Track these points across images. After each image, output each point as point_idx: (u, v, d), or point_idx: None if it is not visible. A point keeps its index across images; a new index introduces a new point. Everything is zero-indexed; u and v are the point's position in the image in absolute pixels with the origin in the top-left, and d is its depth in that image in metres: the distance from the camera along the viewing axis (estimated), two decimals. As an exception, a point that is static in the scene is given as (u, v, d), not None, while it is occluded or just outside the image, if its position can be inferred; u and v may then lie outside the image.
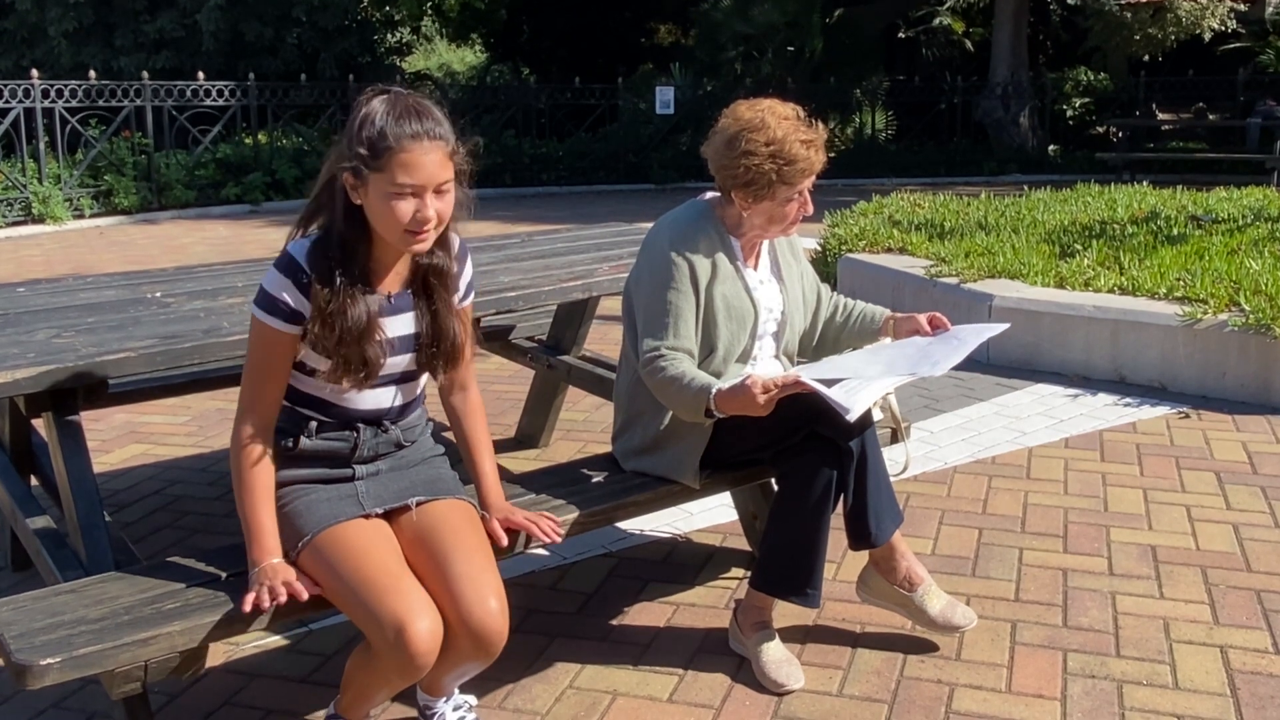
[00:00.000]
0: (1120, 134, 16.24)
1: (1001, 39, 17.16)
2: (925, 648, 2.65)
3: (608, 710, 2.42)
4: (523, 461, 3.95)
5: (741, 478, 2.74)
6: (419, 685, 2.25)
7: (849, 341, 2.82)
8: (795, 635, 2.70)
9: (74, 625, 1.96)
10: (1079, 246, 6.06)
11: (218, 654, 2.64)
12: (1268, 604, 2.86)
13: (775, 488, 2.62)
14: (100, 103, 12.76)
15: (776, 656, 2.53)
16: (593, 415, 4.52)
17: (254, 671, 2.61)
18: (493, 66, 23.29)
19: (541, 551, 3.16)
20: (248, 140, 14.20)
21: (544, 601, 2.93)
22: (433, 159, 1.96)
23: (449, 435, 2.41)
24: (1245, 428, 4.28)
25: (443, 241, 2.12)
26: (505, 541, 2.24)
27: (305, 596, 1.98)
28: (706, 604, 2.90)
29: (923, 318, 2.66)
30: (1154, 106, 17.07)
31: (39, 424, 2.66)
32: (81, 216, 12.39)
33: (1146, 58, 17.14)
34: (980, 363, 5.24)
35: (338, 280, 2.01)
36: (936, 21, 18.09)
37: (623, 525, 3.27)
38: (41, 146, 12.14)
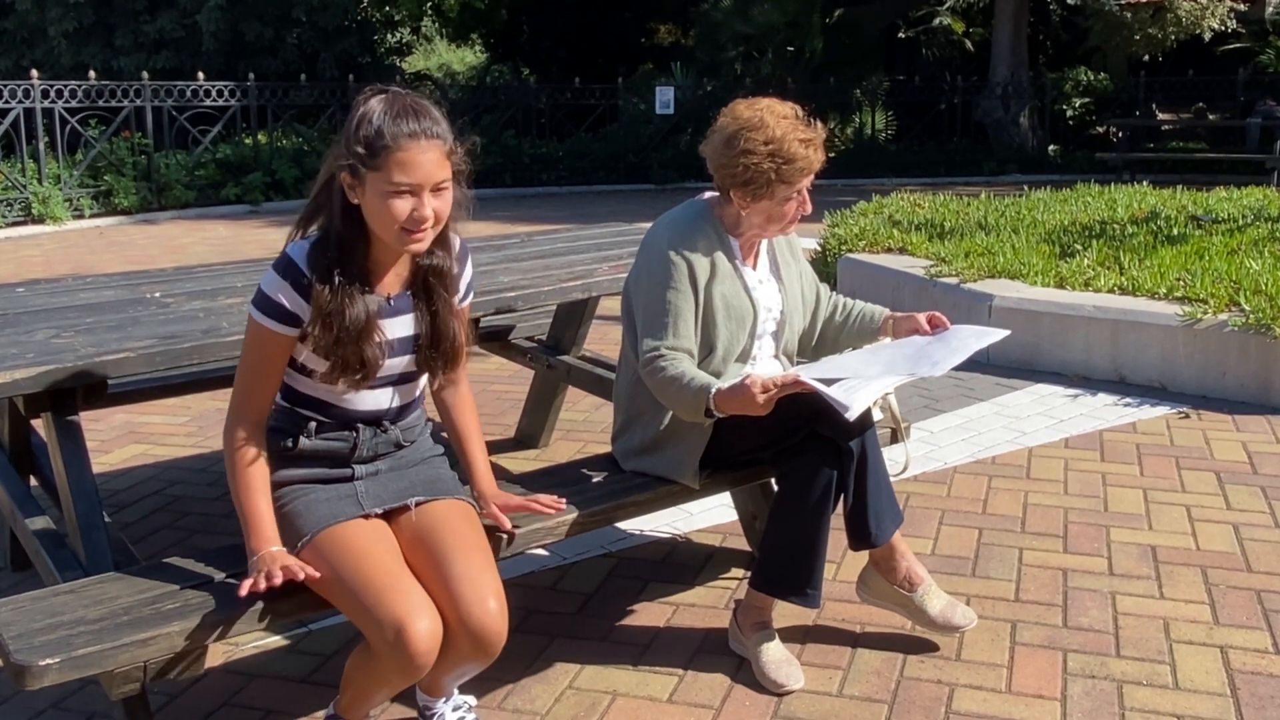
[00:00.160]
0: (1120, 134, 16.24)
1: (1001, 39, 17.16)
2: (925, 648, 2.65)
3: (607, 710, 2.42)
4: (522, 461, 3.95)
5: (741, 478, 2.73)
6: (418, 686, 2.25)
7: (848, 341, 2.82)
8: (795, 635, 2.70)
9: (73, 626, 1.96)
10: (1079, 246, 6.06)
11: (217, 654, 2.64)
12: (1268, 604, 2.85)
13: (775, 488, 2.62)
14: (100, 103, 12.77)
15: (776, 657, 2.53)
16: (592, 415, 4.52)
17: (253, 672, 2.61)
18: (493, 67, 23.29)
19: (541, 552, 3.16)
20: (248, 140, 14.20)
21: (544, 602, 2.92)
22: (429, 158, 1.96)
23: (449, 436, 2.40)
24: (1245, 428, 4.28)
25: (443, 242, 2.12)
26: (509, 525, 2.22)
27: (302, 576, 1.95)
28: (706, 604, 2.90)
29: (922, 317, 2.66)
30: (1154, 106, 17.07)
31: (38, 424, 2.66)
32: (81, 217, 12.39)
33: (1146, 58, 17.15)
34: (980, 363, 5.24)
35: (336, 281, 2.00)
36: (936, 21, 18.10)
37: (622, 525, 3.26)
38: (41, 147, 12.14)
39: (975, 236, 6.49)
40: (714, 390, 2.37)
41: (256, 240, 10.66)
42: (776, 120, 2.47)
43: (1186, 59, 17.98)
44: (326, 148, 2.10)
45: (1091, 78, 17.87)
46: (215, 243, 10.66)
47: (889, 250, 6.52)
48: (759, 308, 2.61)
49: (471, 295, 2.28)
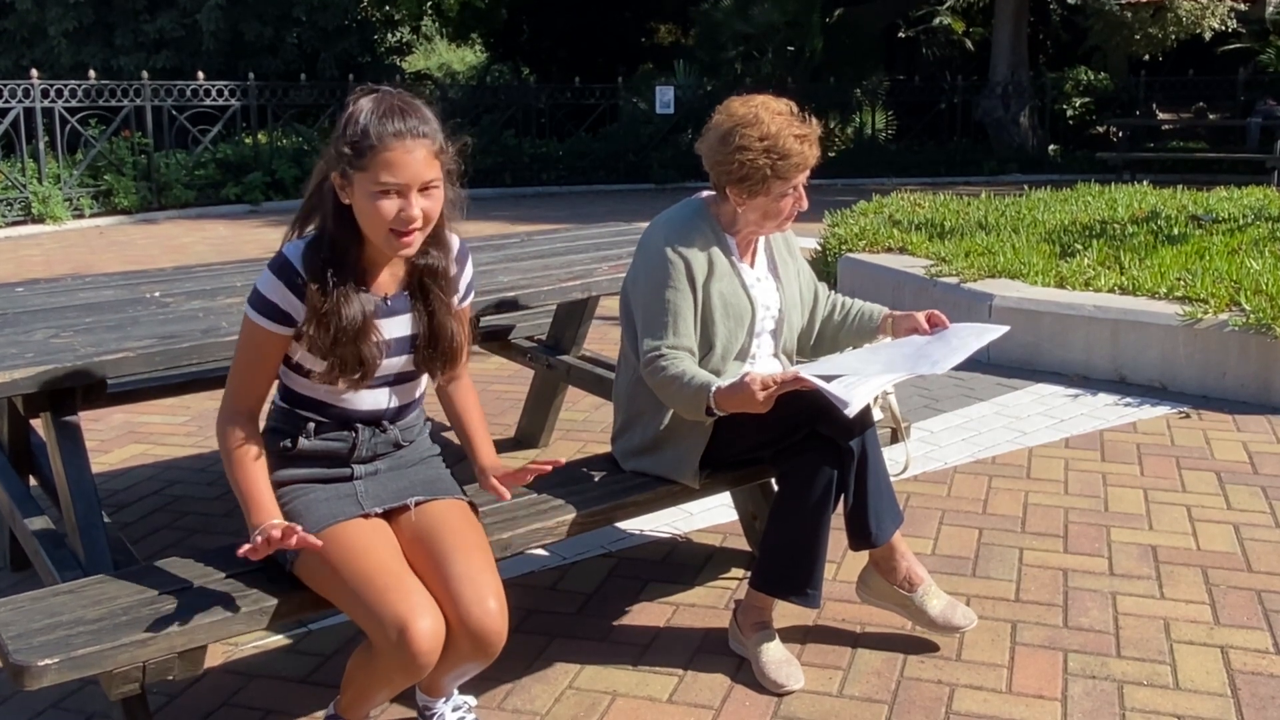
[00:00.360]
0: (1120, 134, 16.24)
1: (1001, 38, 17.15)
2: (925, 648, 2.64)
3: (607, 710, 2.42)
4: (522, 461, 3.92)
5: (741, 477, 2.73)
6: (418, 686, 2.25)
7: (847, 340, 2.81)
8: (795, 635, 2.70)
9: (72, 626, 1.96)
10: (1079, 246, 6.06)
11: (217, 654, 2.64)
12: (1268, 604, 2.85)
13: (775, 488, 2.62)
14: (100, 102, 12.76)
15: (776, 657, 2.53)
16: (592, 415, 4.52)
17: (253, 672, 2.60)
18: (493, 66, 23.28)
19: (541, 552, 3.16)
20: (248, 140, 14.20)
21: (543, 601, 2.92)
22: (416, 157, 1.95)
23: (449, 435, 2.40)
24: (1246, 427, 4.28)
25: (440, 242, 2.12)
26: (508, 495, 2.16)
27: (293, 541, 1.89)
28: (706, 604, 2.89)
29: (921, 315, 2.66)
30: (1154, 106, 17.07)
31: (38, 424, 2.66)
32: (81, 216, 12.39)
33: (1147, 57, 17.15)
34: (980, 362, 5.24)
35: (331, 281, 2.00)
36: (936, 21, 18.09)
37: (622, 525, 3.26)
38: (41, 146, 12.14)
39: (975, 236, 6.49)
40: (714, 388, 2.37)
41: (256, 240, 10.66)
42: (772, 116, 2.47)
43: (1187, 59, 17.98)
44: (326, 147, 2.09)
45: (1092, 77, 17.86)
46: (215, 242, 10.66)
47: (889, 250, 6.51)
48: (757, 305, 2.61)
49: (473, 295, 2.28)
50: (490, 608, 1.97)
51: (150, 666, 1.94)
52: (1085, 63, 18.36)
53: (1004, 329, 2.67)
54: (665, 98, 16.36)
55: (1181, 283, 5.10)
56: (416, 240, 2.01)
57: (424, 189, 1.98)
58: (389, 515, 2.14)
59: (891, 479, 2.57)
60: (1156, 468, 3.85)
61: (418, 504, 2.14)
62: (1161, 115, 16.73)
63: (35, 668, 1.84)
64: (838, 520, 2.51)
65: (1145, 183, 9.21)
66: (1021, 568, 3.08)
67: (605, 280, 3.22)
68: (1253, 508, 3.49)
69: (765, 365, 2.65)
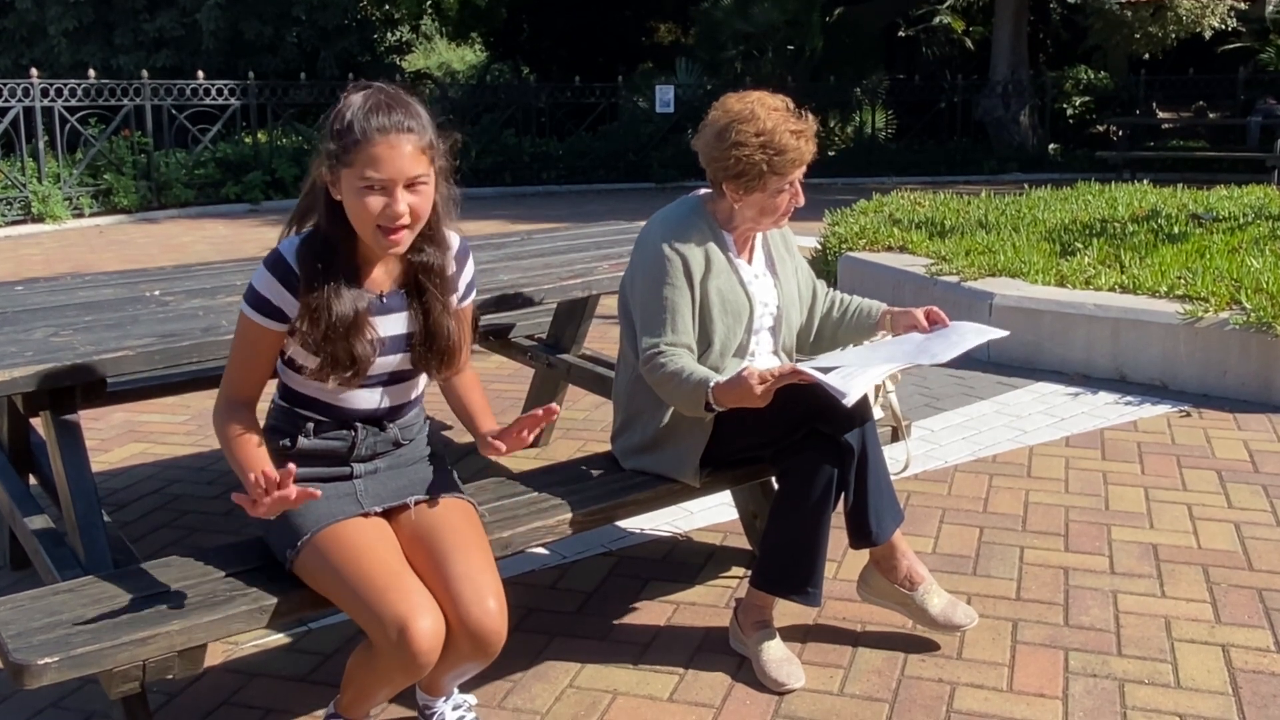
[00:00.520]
0: (1120, 132, 16.25)
1: (1002, 37, 17.15)
2: (926, 647, 2.64)
3: (608, 709, 2.41)
4: (522, 460, 3.94)
5: (742, 476, 2.73)
6: (418, 685, 2.24)
7: (846, 337, 2.81)
8: (796, 634, 2.69)
9: (72, 624, 1.95)
10: (1080, 245, 6.05)
11: (216, 653, 2.63)
12: (1269, 603, 2.85)
13: (775, 486, 2.62)
14: (100, 101, 12.76)
15: (777, 655, 2.52)
16: (593, 414, 4.51)
17: (253, 671, 2.60)
18: (493, 65, 23.29)
19: (541, 550, 3.16)
20: (247, 139, 14.20)
21: (544, 600, 2.92)
22: (402, 153, 1.93)
23: (449, 435, 2.40)
24: (1246, 426, 4.28)
25: (436, 239, 2.10)
26: (504, 449, 2.10)
27: (291, 491, 1.85)
28: (707, 603, 2.89)
29: (919, 312, 2.65)
30: (1154, 105, 17.07)
31: (37, 423, 2.65)
32: (81, 215, 12.39)
33: (1147, 56, 17.15)
34: (981, 361, 5.24)
35: (323, 277, 2.00)
36: (936, 20, 18.09)
37: (623, 524, 3.26)
38: (41, 145, 12.13)
39: (976, 235, 6.49)
40: (712, 384, 2.37)
41: (256, 239, 10.65)
42: (767, 112, 2.47)
43: (1187, 57, 17.98)
44: (317, 144, 2.08)
45: (1092, 76, 17.86)
46: (215, 241, 10.66)
47: (889, 249, 6.51)
48: (755, 302, 2.61)
49: (474, 294, 2.27)
50: (490, 607, 1.97)
51: (150, 665, 1.93)
52: (1085, 62, 18.36)
53: (1003, 333, 2.66)
54: (665, 97, 16.36)
55: (1182, 281, 5.10)
56: (405, 237, 1.99)
57: (411, 185, 1.95)
58: (389, 514, 2.13)
59: (892, 477, 2.56)
60: (1157, 466, 3.85)
61: (417, 503, 2.13)
62: (1162, 114, 16.73)
63: (35, 666, 1.84)
64: (838, 519, 2.51)
65: (1145, 181, 9.20)
66: (1022, 566, 3.08)
67: (606, 279, 3.22)
68: (1253, 506, 3.49)
69: (764, 363, 2.65)
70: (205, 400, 4.65)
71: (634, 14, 22.15)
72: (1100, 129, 17.60)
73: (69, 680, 1.94)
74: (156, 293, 2.96)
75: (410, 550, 2.06)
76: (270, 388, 2.17)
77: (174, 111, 13.56)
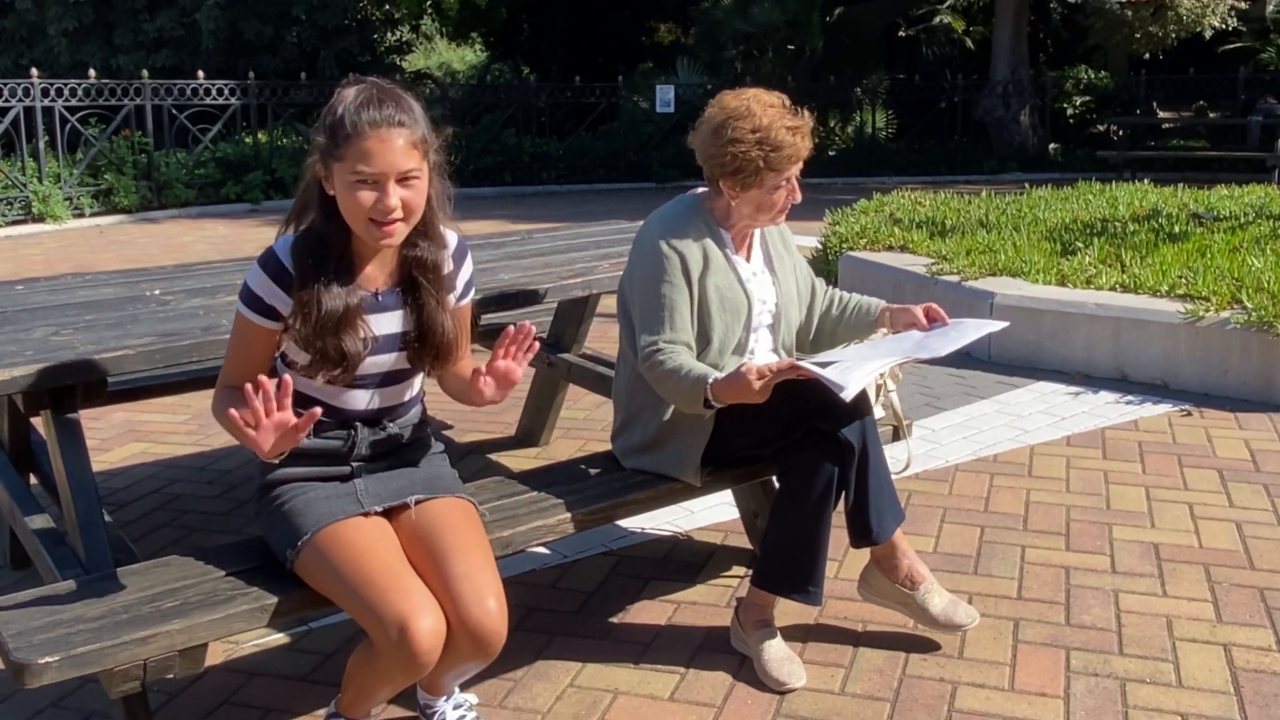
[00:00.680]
0: (1121, 132, 16.24)
1: (1002, 37, 17.15)
2: (927, 646, 2.64)
3: (609, 709, 2.41)
4: (523, 459, 3.94)
5: (743, 475, 2.73)
6: (419, 684, 2.24)
7: (846, 335, 2.81)
8: (797, 633, 2.69)
9: (72, 624, 1.95)
10: (1080, 244, 6.05)
11: (217, 652, 2.63)
12: (1271, 602, 2.85)
13: (776, 485, 2.61)
14: (100, 101, 12.76)
15: (778, 655, 2.52)
16: (593, 413, 4.51)
17: (253, 670, 2.60)
18: (493, 65, 23.28)
19: (542, 550, 3.16)
20: (248, 139, 14.20)
21: (544, 600, 2.92)
22: (393, 146, 1.92)
23: (450, 434, 2.39)
24: (1247, 425, 4.27)
25: (431, 235, 2.10)
26: (494, 389, 2.04)
27: (290, 411, 1.82)
28: (708, 602, 2.89)
29: (918, 309, 2.65)
30: (1155, 105, 17.07)
31: (38, 422, 2.65)
32: (81, 215, 12.39)
33: (1147, 56, 17.14)
34: (982, 360, 5.23)
35: (315, 273, 2.00)
36: (937, 20, 18.09)
37: (623, 523, 3.25)
38: (41, 145, 12.13)
39: (976, 234, 6.48)
40: (711, 380, 2.37)
41: (257, 239, 10.65)
42: (763, 109, 2.47)
43: (1187, 57, 17.97)
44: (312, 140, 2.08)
45: (1092, 76, 17.85)
46: (215, 241, 10.66)
47: (890, 248, 6.51)
48: (753, 300, 2.61)
49: (472, 293, 2.26)
50: (490, 607, 1.96)
51: (151, 664, 1.93)
52: (1086, 61, 18.36)
53: (1002, 324, 2.67)
54: (666, 96, 16.36)
55: (1183, 280, 5.10)
56: (399, 231, 1.99)
57: (403, 179, 1.95)
58: (389, 513, 2.13)
59: (893, 477, 2.56)
60: (1158, 465, 3.85)
61: (418, 502, 2.13)
62: (1162, 114, 16.72)
63: (36, 666, 1.84)
64: (839, 518, 2.50)
65: (1146, 181, 9.20)
66: (1023, 565, 3.08)
67: (606, 278, 3.22)
68: (1255, 505, 3.48)
69: (763, 360, 2.64)
70: (206, 400, 4.62)
71: (634, 14, 22.14)
72: (1101, 129, 17.59)
73: (69, 679, 1.94)
74: (157, 292, 2.96)
75: (410, 549, 2.06)
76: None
77: (174, 111, 13.56)
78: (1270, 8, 16.59)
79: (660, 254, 2.51)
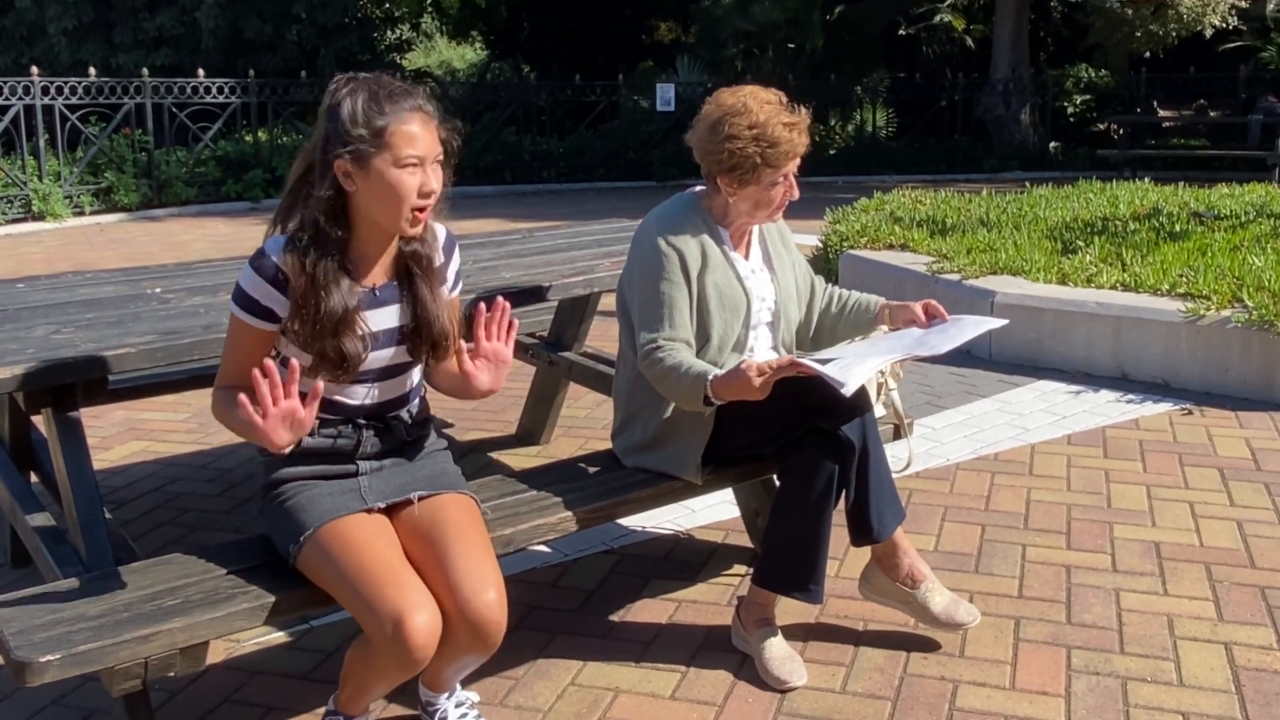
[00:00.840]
0: (1121, 131, 16.25)
1: (1002, 36, 17.14)
2: (928, 645, 2.64)
3: (610, 707, 2.41)
4: (523, 458, 3.94)
5: (743, 473, 2.73)
6: (421, 680, 2.24)
7: (845, 332, 2.81)
8: (798, 632, 2.69)
9: (74, 622, 1.95)
10: (1081, 243, 6.05)
11: (218, 651, 2.63)
12: (1272, 600, 2.84)
13: (777, 483, 2.61)
14: (100, 100, 12.76)
15: (779, 653, 2.52)
16: (594, 412, 4.51)
17: (254, 668, 2.60)
18: (493, 64, 23.27)
19: (543, 548, 3.16)
20: (248, 137, 14.20)
21: (545, 598, 2.92)
22: (430, 129, 2.00)
23: (451, 433, 2.39)
24: (1248, 424, 4.27)
25: (427, 228, 2.13)
26: (476, 370, 2.03)
27: (296, 401, 1.83)
28: (708, 601, 2.89)
29: (918, 306, 2.65)
30: (1155, 103, 17.07)
31: (39, 420, 2.65)
32: (82, 214, 12.38)
33: (1147, 54, 17.13)
34: (982, 359, 5.23)
35: (314, 274, 2.00)
36: (937, 19, 18.10)
37: (624, 522, 3.25)
38: (41, 144, 12.13)
39: (977, 233, 6.48)
40: (711, 377, 2.37)
41: (257, 237, 10.55)
42: (760, 105, 2.47)
43: (1187, 56, 17.96)
44: (306, 144, 2.09)
45: (1092, 74, 17.85)
46: (216, 239, 10.66)
47: (891, 247, 6.50)
48: (752, 297, 2.61)
49: (460, 285, 2.28)
50: (490, 599, 1.97)
51: (152, 663, 1.93)
52: (1086, 60, 18.36)
53: (1002, 321, 2.67)
54: (666, 95, 16.35)
55: (1184, 279, 5.09)
56: (429, 217, 2.05)
57: (435, 162, 2.02)
58: (392, 510, 2.13)
59: (893, 475, 2.56)
60: (1159, 464, 3.85)
61: (421, 498, 2.13)
62: (1162, 112, 16.72)
63: (37, 664, 1.84)
64: (840, 517, 2.50)
65: (1146, 180, 9.21)
66: (1024, 564, 3.08)
67: (607, 276, 3.22)
68: (1256, 504, 3.48)
69: (763, 358, 2.64)
70: (206, 398, 4.60)
71: (634, 12, 22.14)
72: (1101, 127, 17.59)
73: (70, 678, 1.94)
74: (158, 290, 2.96)
75: (412, 543, 2.06)
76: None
77: (174, 110, 13.56)
78: (1271, 6, 16.58)
79: (659, 252, 2.51)
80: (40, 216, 11.91)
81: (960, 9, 18.34)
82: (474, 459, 3.94)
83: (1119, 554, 3.13)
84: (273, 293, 2.02)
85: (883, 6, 18.85)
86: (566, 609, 2.86)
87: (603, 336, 5.08)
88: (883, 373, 2.77)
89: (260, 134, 14.34)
